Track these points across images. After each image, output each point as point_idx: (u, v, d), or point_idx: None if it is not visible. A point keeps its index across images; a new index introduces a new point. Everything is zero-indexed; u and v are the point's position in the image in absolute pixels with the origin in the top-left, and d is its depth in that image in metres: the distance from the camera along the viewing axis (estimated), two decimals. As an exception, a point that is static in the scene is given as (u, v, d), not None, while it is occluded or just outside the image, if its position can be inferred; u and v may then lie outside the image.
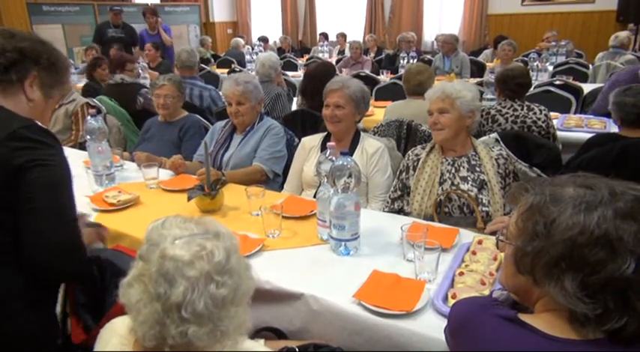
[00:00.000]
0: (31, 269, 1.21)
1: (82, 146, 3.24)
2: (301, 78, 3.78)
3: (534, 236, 0.85)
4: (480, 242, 1.65)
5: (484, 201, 1.96)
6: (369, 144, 2.30)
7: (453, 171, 2.05)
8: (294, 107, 3.89)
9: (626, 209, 0.81)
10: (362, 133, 2.37)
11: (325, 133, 2.41)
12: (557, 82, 4.47)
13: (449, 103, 2.01)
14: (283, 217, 1.85)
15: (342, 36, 8.84)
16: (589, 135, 2.79)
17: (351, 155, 2.22)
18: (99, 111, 3.46)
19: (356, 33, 9.82)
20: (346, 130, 2.30)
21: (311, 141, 2.42)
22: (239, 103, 2.58)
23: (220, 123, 2.79)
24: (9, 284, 1.23)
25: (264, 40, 8.94)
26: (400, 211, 2.12)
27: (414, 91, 3.29)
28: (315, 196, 1.99)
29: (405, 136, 2.83)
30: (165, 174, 2.49)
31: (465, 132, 2.07)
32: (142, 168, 2.37)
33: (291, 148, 2.66)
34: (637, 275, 0.78)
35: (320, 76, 3.45)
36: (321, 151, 2.33)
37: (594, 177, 0.88)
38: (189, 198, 1.97)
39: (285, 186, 2.47)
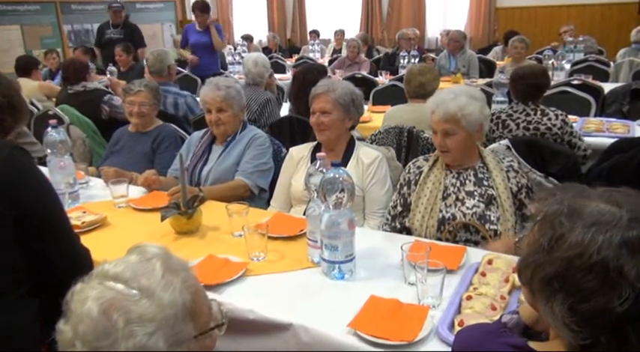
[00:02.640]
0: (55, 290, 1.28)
1: (41, 161, 3.23)
2: (290, 81, 3.81)
3: (539, 248, 0.87)
4: (489, 262, 1.66)
5: (492, 218, 1.97)
6: (365, 154, 2.31)
7: (458, 184, 2.06)
8: (283, 113, 3.91)
9: (637, 239, 0.80)
10: (357, 142, 2.39)
11: (315, 142, 2.42)
12: (575, 82, 4.53)
13: (454, 124, 1.99)
14: (269, 238, 1.85)
15: (341, 33, 8.89)
16: (611, 141, 2.83)
17: (345, 166, 2.25)
18: (61, 122, 3.46)
19: (351, 30, 9.92)
20: (337, 138, 2.32)
21: (300, 152, 2.43)
22: (220, 110, 2.59)
23: (198, 134, 2.80)
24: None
25: (248, 38, 9.01)
26: (403, 230, 2.13)
27: (415, 94, 3.32)
28: (305, 213, 1.99)
29: (406, 144, 2.85)
30: (136, 192, 2.49)
31: (473, 145, 2.08)
32: (110, 184, 2.37)
33: (279, 160, 2.67)
34: (637, 311, 0.78)
35: (310, 78, 3.47)
36: (312, 162, 2.34)
37: (631, 195, 0.87)
38: (162, 218, 1.97)
39: (271, 202, 2.48)
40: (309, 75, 3.51)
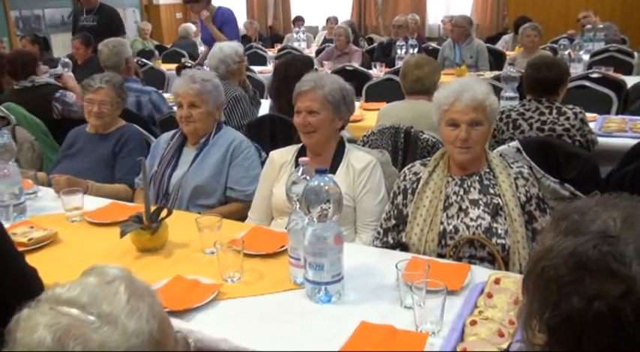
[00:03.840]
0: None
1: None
2: (270, 74, 3.81)
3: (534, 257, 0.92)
4: (497, 281, 1.67)
5: (499, 231, 1.98)
6: (357, 159, 2.32)
7: (462, 193, 2.06)
8: (264, 111, 3.92)
9: (586, 256, 0.85)
10: (347, 144, 2.40)
11: (300, 145, 2.43)
12: (595, 75, 4.58)
13: (482, 112, 1.99)
14: (245, 255, 1.84)
15: (333, 20, 8.90)
16: (635, 141, 2.86)
17: (334, 172, 2.26)
18: (6, 122, 3.43)
19: (341, 17, 9.96)
20: (325, 141, 2.33)
21: (282, 156, 2.43)
22: (192, 106, 2.61)
23: (167, 135, 2.81)
24: None
25: None
26: (397, 246, 2.13)
27: (412, 89, 3.32)
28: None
29: (403, 147, 2.86)
30: (92, 203, 2.48)
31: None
32: (62, 195, 2.35)
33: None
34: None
35: (293, 71, 3.47)
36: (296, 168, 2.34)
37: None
38: (122, 234, 1.96)
39: (249, 213, 2.48)
40: (292, 67, 3.51)
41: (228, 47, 3.91)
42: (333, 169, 2.30)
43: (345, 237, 2.18)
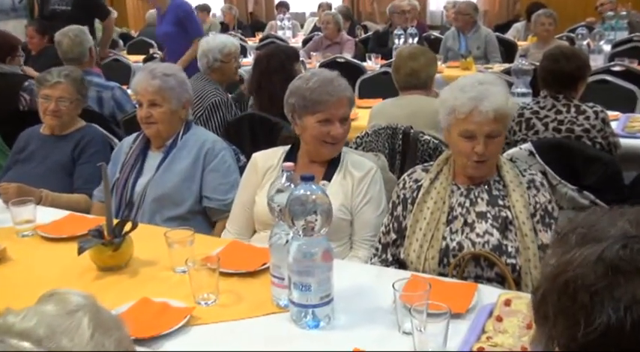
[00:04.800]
0: None
1: None
2: (251, 67, 3.81)
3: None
4: (507, 302, 1.67)
5: (509, 248, 1.98)
6: (356, 164, 2.33)
7: (468, 204, 2.06)
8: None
9: (617, 258, 0.84)
10: (344, 148, 2.41)
11: (287, 147, 2.43)
12: (617, 68, 4.62)
13: (502, 121, 1.98)
14: (221, 274, 1.84)
15: (326, 6, 8.91)
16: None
17: (329, 180, 2.27)
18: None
19: (334, 2, 9.98)
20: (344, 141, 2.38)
21: (266, 159, 2.43)
22: (153, 105, 2.60)
23: (129, 138, 2.80)
24: None
25: (204, 9, 8.96)
26: (396, 263, 2.13)
27: (407, 84, 3.34)
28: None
29: (401, 150, 2.88)
30: (46, 215, 2.46)
31: None
32: (11, 206, 2.34)
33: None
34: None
35: (275, 64, 3.48)
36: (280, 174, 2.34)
37: None
38: (80, 250, 1.94)
39: (227, 225, 2.48)
40: (275, 59, 3.53)
41: (216, 41, 3.91)
42: (328, 177, 2.31)
43: (338, 254, 2.19)
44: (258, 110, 3.47)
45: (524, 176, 2.08)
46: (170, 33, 5.50)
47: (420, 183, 2.14)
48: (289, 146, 2.43)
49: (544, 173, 2.30)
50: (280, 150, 2.44)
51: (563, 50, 3.26)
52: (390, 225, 2.16)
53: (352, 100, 2.35)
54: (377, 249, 2.18)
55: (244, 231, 2.42)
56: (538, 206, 2.03)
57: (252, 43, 7.72)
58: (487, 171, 2.06)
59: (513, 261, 1.96)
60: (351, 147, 2.74)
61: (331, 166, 2.33)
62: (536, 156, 2.61)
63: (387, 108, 3.32)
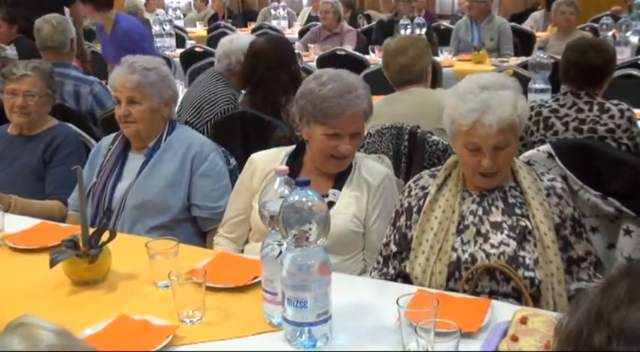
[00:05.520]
0: None
1: None
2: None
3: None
4: (523, 320, 1.66)
5: (527, 260, 1.97)
6: (370, 171, 2.33)
7: (481, 212, 2.06)
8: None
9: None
10: (356, 153, 2.40)
11: (291, 149, 2.43)
12: (645, 62, 4.63)
13: (510, 131, 1.96)
14: (208, 289, 1.83)
15: None
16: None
17: (340, 188, 2.29)
18: None
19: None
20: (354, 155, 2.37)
21: (268, 161, 2.42)
22: (131, 102, 2.60)
23: (108, 139, 2.80)
24: None
25: None
26: (399, 277, 2.13)
27: (399, 80, 3.36)
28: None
29: (407, 152, 2.88)
30: (15, 223, 2.45)
31: None
32: (-24, 213, 2.34)
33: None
34: None
35: (285, 58, 3.48)
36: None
37: None
38: (52, 262, 1.93)
39: (219, 229, 2.51)
40: (285, 52, 3.54)
41: (241, 41, 3.87)
42: (339, 184, 2.32)
43: (347, 268, 2.23)
44: (250, 108, 3.46)
45: (542, 181, 2.08)
46: (117, 58, 5.11)
47: (426, 191, 2.14)
48: (293, 147, 2.44)
49: (564, 177, 2.29)
50: (283, 152, 2.45)
51: (589, 41, 3.25)
52: (392, 236, 2.16)
53: (369, 112, 2.31)
54: (378, 262, 2.18)
55: (237, 239, 2.45)
56: (564, 216, 2.03)
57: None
58: (498, 182, 2.06)
59: (531, 273, 1.96)
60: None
61: (342, 173, 2.33)
62: (556, 158, 2.60)
63: (388, 105, 3.31)
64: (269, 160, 2.42)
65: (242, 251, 2.43)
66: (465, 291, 1.97)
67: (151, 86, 2.60)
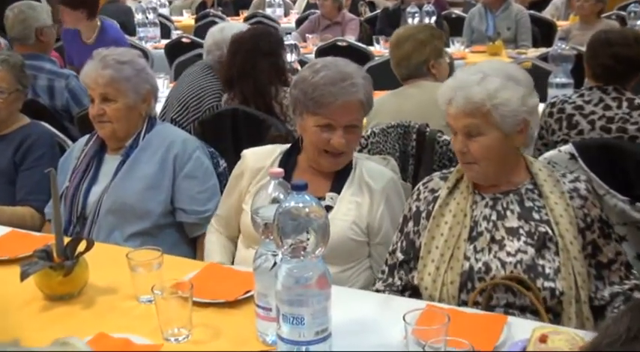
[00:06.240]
0: None
1: None
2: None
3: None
4: (543, 339, 1.66)
5: (546, 269, 1.98)
6: (372, 174, 2.34)
7: (495, 217, 2.07)
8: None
9: None
10: (355, 153, 2.41)
11: (286, 147, 2.44)
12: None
13: (481, 118, 2.01)
14: (195, 304, 1.83)
15: None
16: None
17: (338, 191, 2.30)
18: None
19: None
20: (352, 153, 2.37)
21: (258, 158, 2.44)
22: (105, 100, 2.60)
23: (82, 141, 2.80)
24: None
25: None
26: (407, 290, 2.13)
27: (401, 75, 3.40)
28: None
29: (415, 153, 2.88)
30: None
31: (515, 154, 2.11)
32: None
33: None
34: None
35: (264, 46, 3.48)
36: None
37: None
38: (23, 275, 1.92)
39: (212, 220, 2.54)
40: (264, 41, 3.55)
41: (233, 31, 3.87)
42: (337, 188, 2.32)
43: (346, 280, 2.23)
44: (239, 104, 3.46)
45: (564, 183, 2.08)
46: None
47: (436, 194, 2.15)
48: (288, 146, 2.44)
49: (588, 181, 2.28)
50: (277, 150, 2.45)
51: (619, 32, 3.26)
52: (399, 244, 2.17)
53: (367, 104, 2.32)
54: (382, 273, 2.19)
55: (232, 229, 2.48)
56: (591, 219, 2.04)
57: (236, 23, 7.73)
58: (482, 177, 2.09)
59: (552, 283, 1.96)
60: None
61: (341, 175, 2.34)
62: (579, 160, 2.60)
63: (393, 101, 3.33)
64: (260, 158, 2.43)
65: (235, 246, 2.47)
66: (474, 304, 1.97)
67: (125, 81, 2.60)
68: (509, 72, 2.08)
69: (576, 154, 2.65)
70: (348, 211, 2.26)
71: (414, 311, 1.66)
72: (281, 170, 1.81)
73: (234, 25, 4.18)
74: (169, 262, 2.05)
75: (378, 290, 2.14)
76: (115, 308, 1.96)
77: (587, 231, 2.03)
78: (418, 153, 2.87)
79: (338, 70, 2.26)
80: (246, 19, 7.74)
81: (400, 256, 2.15)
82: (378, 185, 2.31)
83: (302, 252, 1.58)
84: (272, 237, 1.64)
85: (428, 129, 2.85)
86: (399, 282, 2.14)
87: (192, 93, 3.79)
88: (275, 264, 1.68)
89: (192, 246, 2.69)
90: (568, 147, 2.71)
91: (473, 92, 2.00)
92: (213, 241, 2.51)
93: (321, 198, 2.22)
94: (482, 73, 2.04)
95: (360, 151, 2.79)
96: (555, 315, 1.95)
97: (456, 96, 2.02)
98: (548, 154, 2.73)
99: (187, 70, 4.11)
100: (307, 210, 1.58)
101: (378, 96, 3.77)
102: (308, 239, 1.57)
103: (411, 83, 3.34)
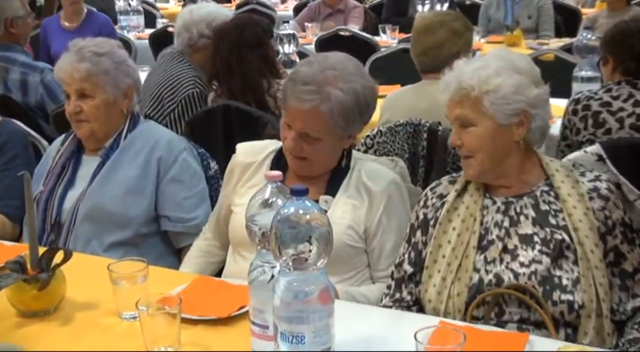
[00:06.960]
0: None
1: None
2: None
3: None
4: (568, 360, 1.67)
5: (563, 280, 1.98)
6: (372, 175, 2.34)
7: (507, 224, 2.07)
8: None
9: None
10: (354, 153, 2.42)
11: (279, 145, 2.45)
12: None
13: (471, 107, 2.04)
14: (184, 321, 1.83)
15: None
16: None
17: (333, 194, 2.31)
18: None
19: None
20: (321, 167, 2.35)
21: (249, 153, 2.47)
22: (82, 96, 2.61)
23: (58, 141, 2.82)
24: None
25: None
26: (416, 305, 2.14)
27: (423, 66, 3.37)
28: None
29: (426, 154, 2.88)
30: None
31: (521, 152, 2.11)
32: None
33: (205, 177, 2.76)
34: None
35: (250, 37, 3.50)
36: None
37: None
38: (-5, 288, 1.94)
39: (204, 228, 2.57)
40: (250, 31, 3.60)
41: (202, 11, 3.94)
42: (332, 190, 2.33)
43: (337, 294, 2.20)
44: (228, 99, 3.48)
45: (583, 183, 2.08)
46: None
47: (444, 199, 2.16)
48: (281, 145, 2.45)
49: (618, 185, 2.28)
50: (271, 146, 2.47)
51: (631, 25, 3.26)
52: (406, 255, 2.18)
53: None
54: (389, 287, 2.19)
55: (222, 237, 2.49)
56: (612, 222, 2.04)
57: (227, 10, 7.74)
58: (477, 173, 2.11)
59: (570, 296, 1.96)
60: (358, 150, 2.75)
61: (336, 177, 2.35)
62: (607, 162, 2.59)
63: (405, 98, 3.34)
64: (252, 152, 2.46)
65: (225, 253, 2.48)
66: (473, 319, 1.97)
67: (104, 75, 2.60)
68: (509, 59, 2.11)
69: (604, 155, 2.64)
70: (343, 214, 2.27)
71: (426, 329, 1.65)
72: (278, 173, 1.81)
73: (206, 5, 4.17)
74: (155, 274, 2.04)
75: (385, 307, 2.15)
76: (95, 325, 1.95)
77: (609, 235, 2.03)
78: (429, 155, 2.88)
79: (315, 70, 2.25)
80: (238, 6, 7.75)
81: (408, 269, 2.16)
82: (377, 186, 2.31)
83: (302, 264, 1.59)
84: (269, 247, 1.63)
85: (440, 128, 2.85)
86: (408, 297, 2.15)
87: (164, 83, 3.82)
88: (272, 276, 1.67)
89: (179, 257, 2.68)
90: (595, 148, 2.70)
91: (464, 78, 2.05)
92: (192, 249, 2.53)
93: (315, 202, 2.22)
94: (483, 60, 2.09)
95: (365, 152, 2.79)
96: (574, 329, 1.96)
97: (450, 83, 2.08)
98: (572, 156, 2.73)
99: (157, 62, 4.12)
100: (308, 217, 1.58)
101: (389, 90, 3.81)
102: (310, 250, 1.57)
103: (432, 77, 3.26)
